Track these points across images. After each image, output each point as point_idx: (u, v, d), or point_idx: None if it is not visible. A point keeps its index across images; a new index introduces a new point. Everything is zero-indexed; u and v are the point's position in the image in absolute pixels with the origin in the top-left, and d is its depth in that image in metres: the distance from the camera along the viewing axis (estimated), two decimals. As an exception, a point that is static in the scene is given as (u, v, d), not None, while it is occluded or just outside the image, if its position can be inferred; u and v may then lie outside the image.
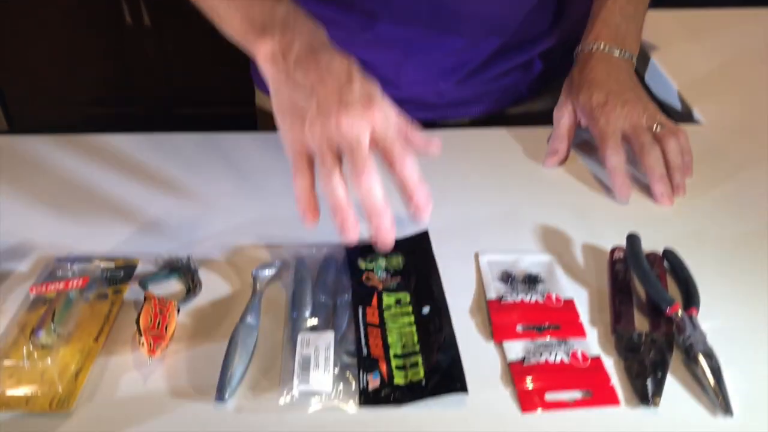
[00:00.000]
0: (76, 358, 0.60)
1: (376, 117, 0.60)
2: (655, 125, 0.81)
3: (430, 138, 0.67)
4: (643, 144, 0.80)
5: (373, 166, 0.60)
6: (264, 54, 0.65)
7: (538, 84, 1.03)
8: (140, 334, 0.59)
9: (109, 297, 0.66)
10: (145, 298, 0.63)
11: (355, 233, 0.61)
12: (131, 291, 0.67)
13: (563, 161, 0.87)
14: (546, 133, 0.90)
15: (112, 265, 0.70)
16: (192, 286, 0.67)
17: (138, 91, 2.36)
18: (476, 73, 0.97)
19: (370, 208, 0.60)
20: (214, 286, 0.68)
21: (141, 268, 0.70)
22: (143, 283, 0.67)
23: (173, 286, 0.68)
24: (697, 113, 0.98)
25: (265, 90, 0.84)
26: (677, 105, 1.03)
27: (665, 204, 0.79)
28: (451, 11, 0.89)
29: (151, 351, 0.58)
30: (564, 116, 0.87)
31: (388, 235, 0.61)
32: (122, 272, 0.69)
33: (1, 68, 2.28)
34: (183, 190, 0.81)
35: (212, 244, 0.73)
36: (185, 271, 0.69)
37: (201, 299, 0.67)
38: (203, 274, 0.69)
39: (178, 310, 0.63)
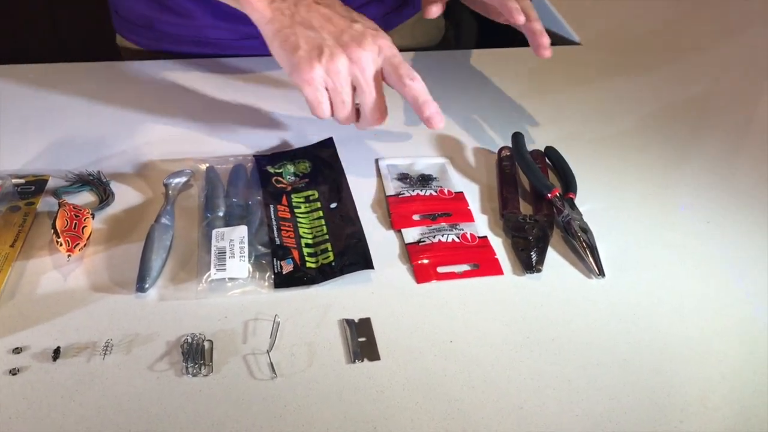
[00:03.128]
0: (-7, 262, 0.61)
1: (383, 44, 0.69)
2: None
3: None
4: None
5: (379, 90, 0.70)
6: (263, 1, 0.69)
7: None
8: (57, 236, 0.61)
9: (22, 209, 0.67)
10: (60, 205, 0.65)
11: None
12: (44, 203, 0.69)
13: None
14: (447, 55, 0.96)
15: (22, 181, 0.71)
16: (104, 196, 0.70)
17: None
18: None
19: (371, 115, 0.71)
20: (126, 196, 0.71)
21: (52, 183, 0.71)
22: (57, 193, 0.69)
23: (86, 197, 0.70)
24: (574, 34, 1.06)
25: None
26: (557, 29, 1.11)
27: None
28: None
29: (70, 249, 0.61)
30: None
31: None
32: (33, 187, 0.70)
33: None
34: (89, 113, 0.83)
35: (121, 160, 0.76)
36: (96, 184, 0.71)
37: (114, 208, 0.69)
38: (115, 187, 0.72)
39: (93, 216, 0.66)
